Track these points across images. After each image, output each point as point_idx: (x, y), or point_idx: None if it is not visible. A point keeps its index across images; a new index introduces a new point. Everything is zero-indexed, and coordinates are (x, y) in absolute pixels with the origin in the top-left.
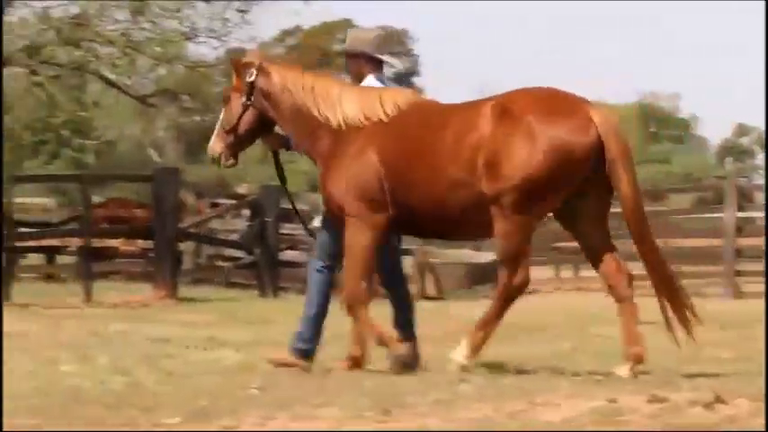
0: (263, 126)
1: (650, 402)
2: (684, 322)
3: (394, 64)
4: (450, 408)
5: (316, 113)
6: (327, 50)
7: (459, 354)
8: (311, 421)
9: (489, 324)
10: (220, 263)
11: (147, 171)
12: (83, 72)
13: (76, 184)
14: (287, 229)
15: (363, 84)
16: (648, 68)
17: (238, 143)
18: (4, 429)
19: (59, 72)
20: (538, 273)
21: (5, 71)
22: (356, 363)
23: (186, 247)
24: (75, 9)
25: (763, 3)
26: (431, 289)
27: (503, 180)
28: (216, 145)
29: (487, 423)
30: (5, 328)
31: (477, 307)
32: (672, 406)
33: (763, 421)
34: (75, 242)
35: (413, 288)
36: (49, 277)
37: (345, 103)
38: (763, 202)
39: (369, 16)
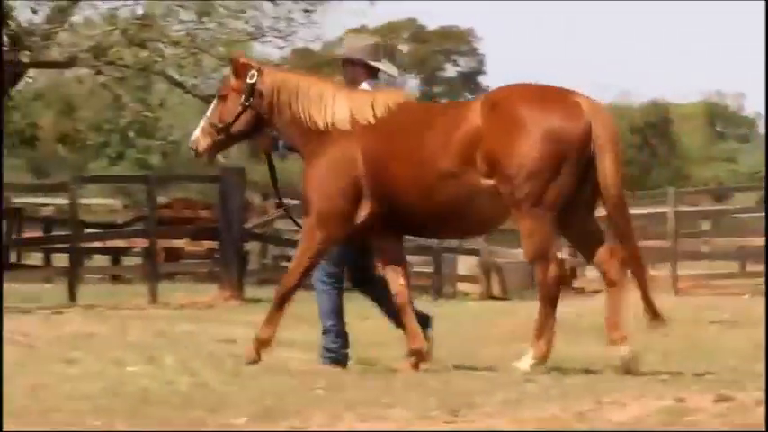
0: (256, 128)
1: (717, 402)
2: (649, 304)
3: (389, 71)
4: (517, 408)
5: (308, 115)
6: (392, 49)
7: (525, 363)
8: (379, 422)
9: (545, 329)
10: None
11: (213, 171)
12: (148, 73)
13: (142, 184)
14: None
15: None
16: (713, 67)
17: (226, 142)
18: (4, 429)
19: (125, 73)
20: None
21: (70, 72)
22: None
23: (252, 247)
24: (140, 10)
25: (763, 3)
26: (496, 289)
27: (507, 177)
28: (202, 140)
29: (555, 423)
30: (73, 329)
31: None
32: (739, 405)
33: None
34: (140, 243)
35: (477, 288)
36: (115, 278)
37: (337, 104)
38: None
39: (434, 15)
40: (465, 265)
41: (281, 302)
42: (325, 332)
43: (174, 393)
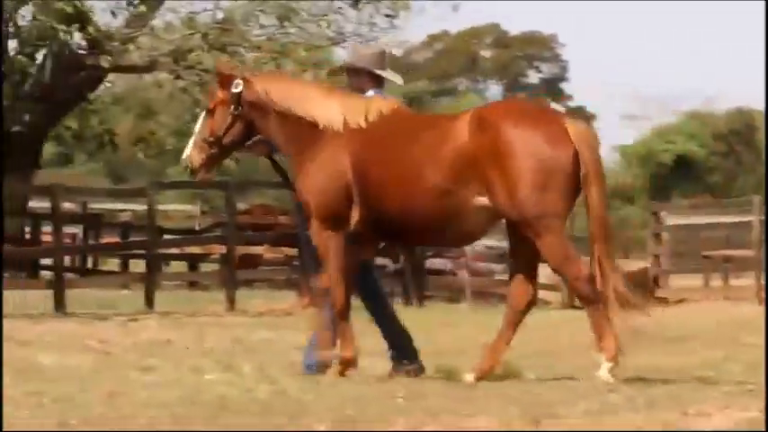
0: (248, 136)
1: None
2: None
3: (395, 79)
4: (600, 418)
5: (300, 117)
6: (475, 55)
7: (605, 371)
8: (461, 430)
9: (603, 329)
10: None
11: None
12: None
13: (220, 190)
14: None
15: None
16: None
17: (220, 155)
18: (4, 429)
19: (205, 77)
20: (687, 281)
21: (150, 77)
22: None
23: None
24: (221, 14)
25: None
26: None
27: (514, 200)
28: (196, 156)
29: None
30: (150, 336)
31: (624, 314)
32: None
33: None
34: (218, 249)
35: (560, 296)
36: (192, 285)
37: (330, 107)
38: None
39: (517, 20)
40: (545, 272)
41: (343, 317)
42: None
43: (253, 401)
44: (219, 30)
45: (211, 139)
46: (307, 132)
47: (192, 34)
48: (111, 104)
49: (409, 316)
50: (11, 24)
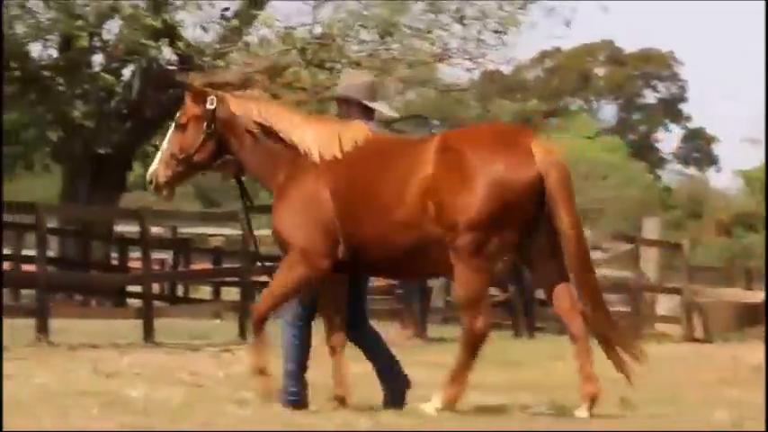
0: (218, 156)
1: None
2: (618, 363)
3: (384, 111)
4: None
5: (278, 143)
6: (588, 72)
7: (432, 406)
8: None
9: (460, 377)
10: None
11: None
12: (327, 95)
13: None
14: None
15: None
16: None
17: (187, 172)
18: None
19: (302, 95)
20: None
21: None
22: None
23: (435, 283)
24: (319, 29)
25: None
26: (698, 331)
27: (450, 225)
28: (162, 172)
29: None
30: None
31: (747, 350)
32: None
33: None
34: None
35: (678, 329)
36: None
37: (305, 135)
38: None
39: (632, 37)
40: (665, 304)
41: (256, 331)
42: (286, 374)
43: None
44: (317, 45)
45: (181, 155)
46: (282, 158)
47: (289, 50)
48: None
49: (519, 348)
50: (96, 39)
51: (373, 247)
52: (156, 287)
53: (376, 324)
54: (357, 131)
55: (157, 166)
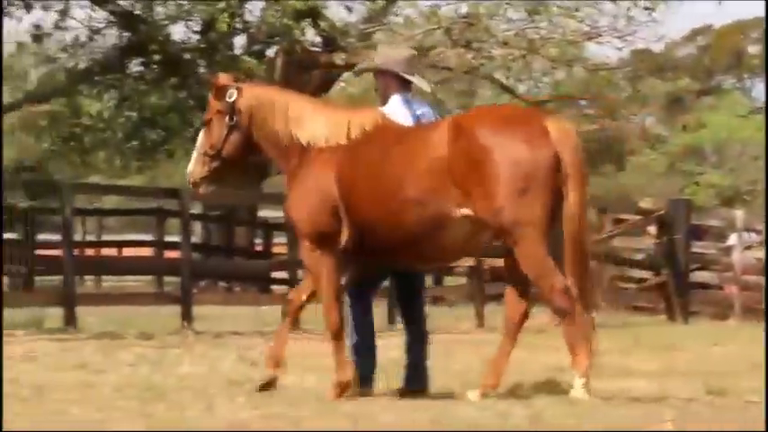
0: (249, 147)
1: None
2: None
3: (421, 85)
4: None
5: (287, 132)
6: (740, 50)
7: (578, 387)
8: None
9: (577, 343)
10: (623, 284)
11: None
12: (473, 75)
13: None
14: (698, 247)
15: (389, 103)
16: None
17: (223, 167)
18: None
19: (448, 75)
20: None
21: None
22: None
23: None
24: (465, 8)
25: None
26: None
27: (490, 208)
28: (197, 170)
29: None
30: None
31: None
32: None
33: None
34: (465, 262)
35: None
36: (437, 300)
37: (315, 122)
38: None
39: None
40: None
41: (338, 338)
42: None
43: (508, 425)
44: (464, 24)
45: (211, 152)
46: (293, 148)
47: (434, 30)
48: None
49: (673, 333)
50: (237, 20)
51: (379, 231)
52: (301, 273)
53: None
54: (367, 117)
55: (192, 166)
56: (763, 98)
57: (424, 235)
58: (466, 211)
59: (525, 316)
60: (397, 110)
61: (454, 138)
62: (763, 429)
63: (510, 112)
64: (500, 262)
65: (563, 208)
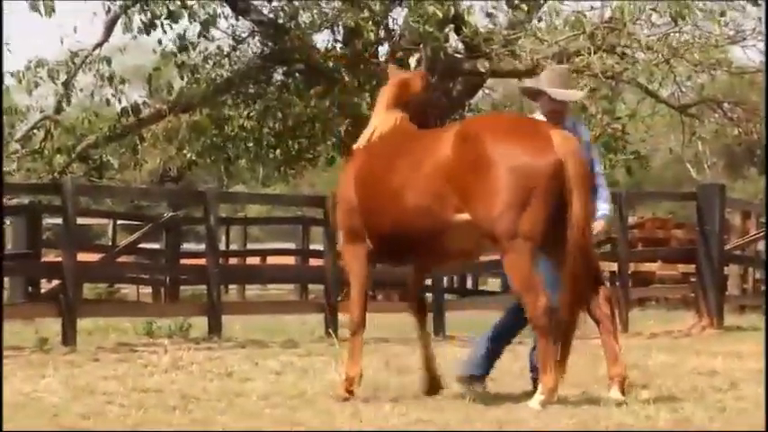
0: None
1: None
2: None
3: (570, 97)
4: None
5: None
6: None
7: (536, 401)
8: None
9: (547, 362)
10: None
11: (687, 188)
12: (617, 81)
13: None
14: None
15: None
16: None
17: None
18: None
19: (592, 82)
20: None
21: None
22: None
23: (731, 270)
24: (608, 13)
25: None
26: None
27: (486, 215)
28: None
29: None
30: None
31: None
32: None
33: None
34: (609, 267)
35: None
36: None
37: (368, 125)
38: None
39: None
40: None
41: (356, 334)
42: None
43: (654, 430)
44: (607, 29)
45: None
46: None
47: (578, 35)
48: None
49: None
50: (381, 28)
51: (391, 234)
52: (445, 280)
53: (669, 313)
54: (389, 122)
55: None
56: None
57: (426, 240)
58: (465, 216)
59: (609, 301)
60: None
61: (459, 144)
62: (764, 429)
63: (515, 121)
64: (644, 266)
65: (569, 215)
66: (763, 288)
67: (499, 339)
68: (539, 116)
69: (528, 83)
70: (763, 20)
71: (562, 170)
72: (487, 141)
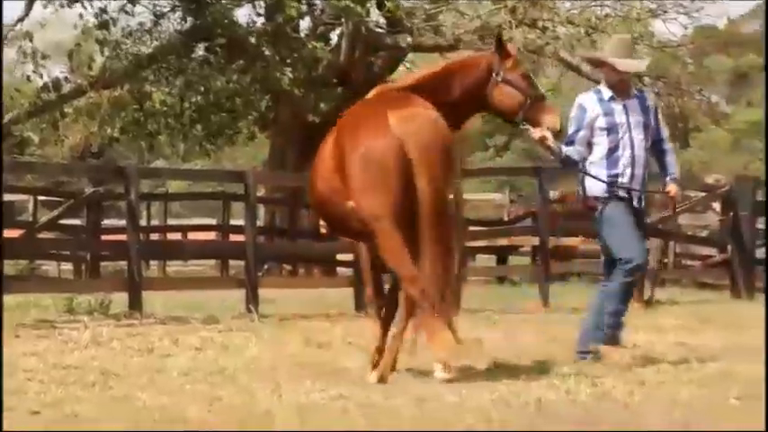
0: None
1: None
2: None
3: (619, 65)
4: None
5: None
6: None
7: (440, 376)
8: None
9: (434, 336)
10: (689, 262)
11: None
12: (539, 55)
13: (531, 177)
14: (764, 223)
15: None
16: None
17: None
18: (4, 429)
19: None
20: None
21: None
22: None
23: (651, 244)
24: None
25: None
26: None
27: (354, 201)
28: None
29: None
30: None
31: None
32: None
33: None
34: (530, 241)
35: None
36: (501, 280)
37: None
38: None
39: None
40: None
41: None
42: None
43: (574, 405)
44: (529, 3)
45: None
46: None
47: (499, 9)
48: None
49: (739, 310)
50: (303, 2)
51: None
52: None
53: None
54: (367, 100)
55: None
56: None
57: (346, 222)
58: (352, 203)
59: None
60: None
61: (333, 136)
62: (763, 429)
63: (363, 107)
64: (567, 241)
65: (417, 191)
66: (686, 262)
67: (600, 311)
68: (604, 88)
69: (592, 53)
70: (764, 20)
71: (401, 150)
72: (342, 132)
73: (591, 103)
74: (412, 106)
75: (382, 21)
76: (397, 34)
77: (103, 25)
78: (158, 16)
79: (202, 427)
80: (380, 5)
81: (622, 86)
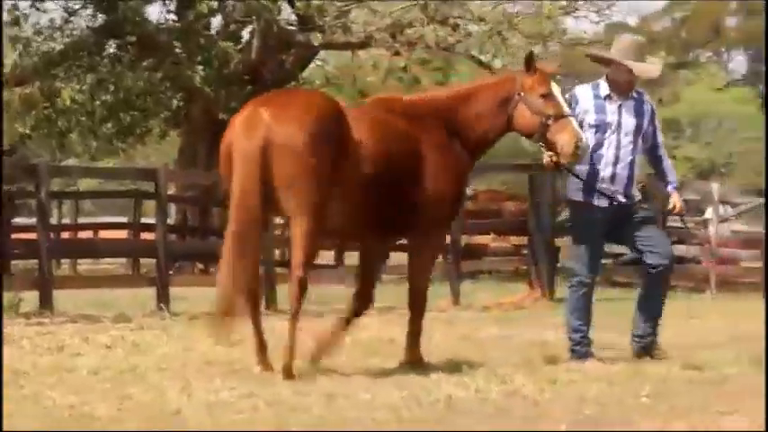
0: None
1: None
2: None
3: (635, 69)
4: None
5: None
6: (718, 23)
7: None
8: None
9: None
10: (604, 260)
11: (521, 159)
12: (450, 53)
13: None
14: (674, 221)
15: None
16: None
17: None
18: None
19: (425, 53)
20: None
21: (365, 54)
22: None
23: (563, 242)
24: None
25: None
26: None
27: None
28: None
29: None
30: (370, 334)
31: None
32: None
33: None
34: None
35: None
36: None
37: None
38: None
39: None
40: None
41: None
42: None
43: (484, 402)
44: (440, 0)
45: None
46: None
47: (411, 6)
48: (322, 85)
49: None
50: (214, 0)
51: None
52: (277, 253)
53: (501, 285)
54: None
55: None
56: (740, 71)
57: None
58: None
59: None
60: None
61: None
62: (763, 429)
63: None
64: (478, 239)
65: None
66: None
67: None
68: (603, 85)
69: (600, 52)
70: (764, 20)
71: (229, 151)
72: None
73: (585, 97)
74: (267, 107)
75: (293, 18)
76: (308, 32)
77: (15, 22)
78: (70, 13)
79: (112, 425)
80: (291, 2)
81: (626, 87)
